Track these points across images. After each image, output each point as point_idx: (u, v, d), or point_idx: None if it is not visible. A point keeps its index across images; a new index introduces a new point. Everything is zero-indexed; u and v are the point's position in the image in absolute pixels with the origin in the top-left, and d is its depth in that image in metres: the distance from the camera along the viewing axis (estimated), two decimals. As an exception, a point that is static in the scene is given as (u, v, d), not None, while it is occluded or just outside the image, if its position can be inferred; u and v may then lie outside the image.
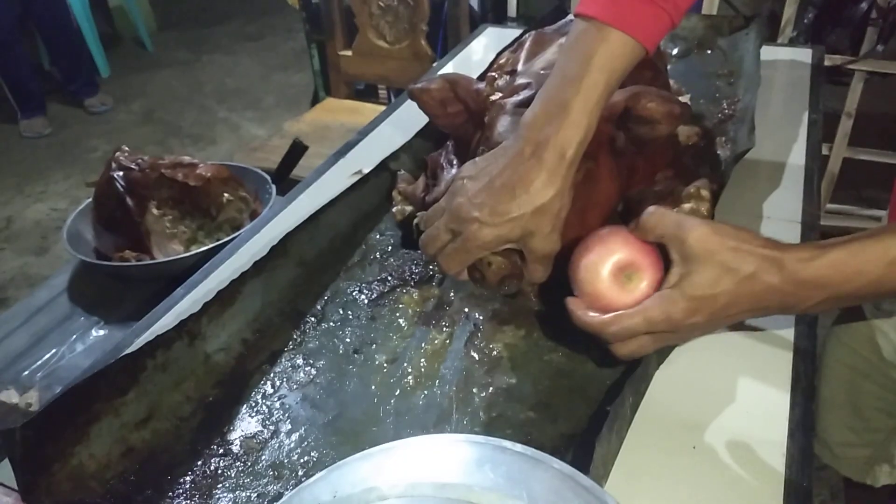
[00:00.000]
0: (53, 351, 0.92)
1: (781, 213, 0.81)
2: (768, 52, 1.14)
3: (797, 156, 0.92)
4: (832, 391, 0.97)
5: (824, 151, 1.78)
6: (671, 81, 0.95)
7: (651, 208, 0.59)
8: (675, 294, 0.54)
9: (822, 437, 0.99)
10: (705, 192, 0.75)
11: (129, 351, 0.61)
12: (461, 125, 0.79)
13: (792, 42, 1.78)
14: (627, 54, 0.64)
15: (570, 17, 0.80)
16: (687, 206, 0.74)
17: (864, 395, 0.94)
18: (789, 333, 0.66)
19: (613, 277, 0.58)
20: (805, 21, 1.81)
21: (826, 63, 1.18)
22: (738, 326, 0.66)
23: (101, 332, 0.95)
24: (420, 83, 0.79)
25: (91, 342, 0.93)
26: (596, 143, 0.71)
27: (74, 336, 0.94)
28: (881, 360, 0.89)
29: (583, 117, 0.62)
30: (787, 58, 1.18)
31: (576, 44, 0.65)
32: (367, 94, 2.42)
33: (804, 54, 1.18)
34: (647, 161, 0.79)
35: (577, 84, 0.62)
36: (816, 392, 0.96)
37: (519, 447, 0.46)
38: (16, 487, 0.53)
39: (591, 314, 0.58)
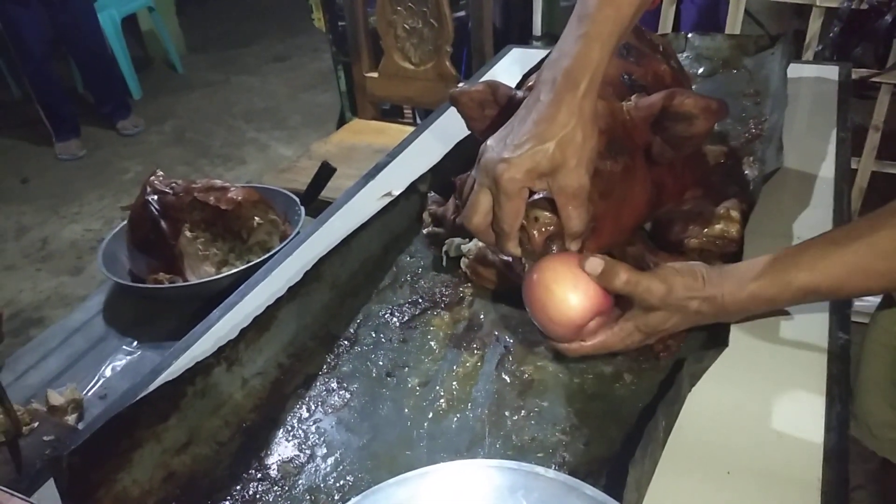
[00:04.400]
0: (89, 372, 0.94)
1: (812, 232, 0.80)
2: (795, 70, 1.14)
3: (826, 174, 0.91)
4: (872, 372, 0.97)
5: (852, 165, 1.76)
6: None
7: (604, 261, 0.64)
8: (630, 327, 0.65)
9: (861, 420, 0.99)
10: (735, 213, 0.75)
11: (169, 378, 0.62)
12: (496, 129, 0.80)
13: (817, 57, 1.76)
14: None
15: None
16: (718, 227, 0.74)
17: None
18: (822, 356, 0.65)
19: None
20: (831, 35, 1.79)
21: (852, 77, 1.18)
22: (771, 350, 0.66)
23: (136, 354, 0.96)
24: (461, 87, 0.80)
25: (126, 363, 0.95)
26: (633, 144, 0.71)
27: (109, 357, 0.96)
28: None
29: (594, 50, 0.64)
30: (813, 75, 1.18)
31: None
32: (392, 114, 2.45)
33: (831, 71, 1.18)
34: (675, 179, 0.79)
35: (587, 20, 0.66)
36: (855, 375, 0.98)
37: (552, 473, 0.47)
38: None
39: (578, 345, 0.66)
